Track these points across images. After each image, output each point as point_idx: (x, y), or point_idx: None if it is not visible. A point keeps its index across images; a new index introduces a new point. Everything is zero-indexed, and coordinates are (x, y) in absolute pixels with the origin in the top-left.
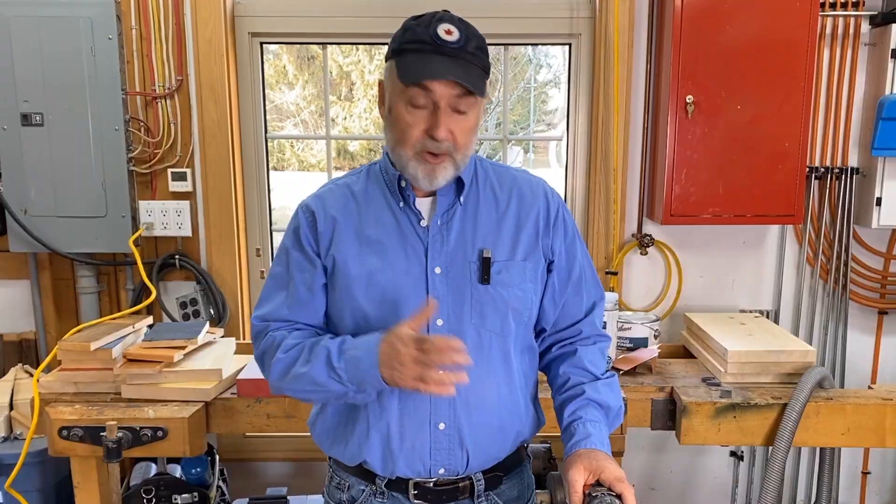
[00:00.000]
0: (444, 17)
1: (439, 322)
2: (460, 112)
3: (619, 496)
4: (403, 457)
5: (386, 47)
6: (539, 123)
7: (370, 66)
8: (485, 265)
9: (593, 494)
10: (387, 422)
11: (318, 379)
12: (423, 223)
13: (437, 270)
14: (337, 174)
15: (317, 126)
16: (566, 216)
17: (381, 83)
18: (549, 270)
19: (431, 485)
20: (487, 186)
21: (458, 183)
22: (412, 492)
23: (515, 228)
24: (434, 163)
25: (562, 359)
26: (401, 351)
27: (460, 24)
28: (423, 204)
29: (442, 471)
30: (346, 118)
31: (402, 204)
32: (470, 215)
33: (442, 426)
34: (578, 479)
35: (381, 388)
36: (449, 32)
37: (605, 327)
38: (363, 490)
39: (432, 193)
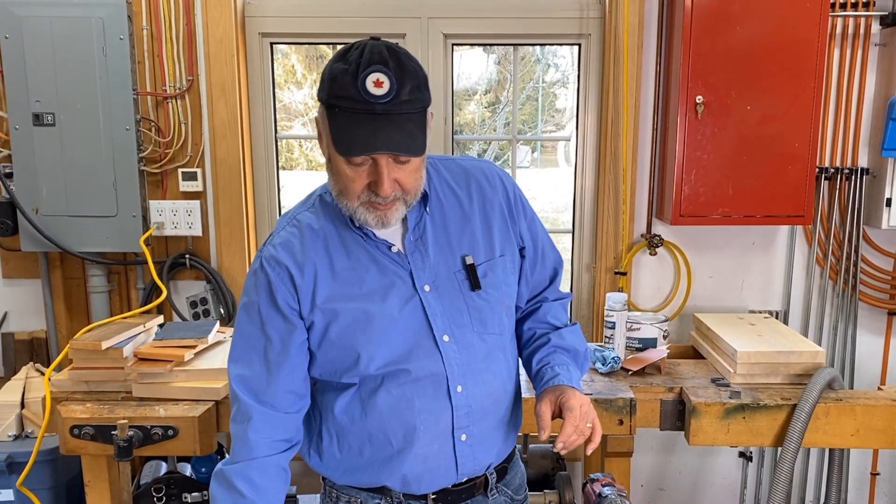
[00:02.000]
0: (374, 58)
1: (445, 338)
2: (403, 162)
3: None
4: (428, 476)
5: None
6: (547, 123)
7: None
8: (471, 272)
9: (603, 494)
10: (410, 447)
11: None
12: (395, 248)
13: (427, 288)
14: None
15: None
16: (522, 197)
17: (316, 120)
18: (521, 255)
19: (450, 486)
20: (445, 187)
21: (423, 196)
22: (431, 496)
23: (485, 225)
24: (384, 209)
25: (526, 316)
26: None
27: (391, 62)
28: (387, 228)
29: (465, 478)
30: None
31: (364, 238)
32: (439, 223)
33: (464, 437)
34: (546, 410)
35: None
36: (378, 84)
37: (613, 327)
38: (378, 503)
39: (382, 228)
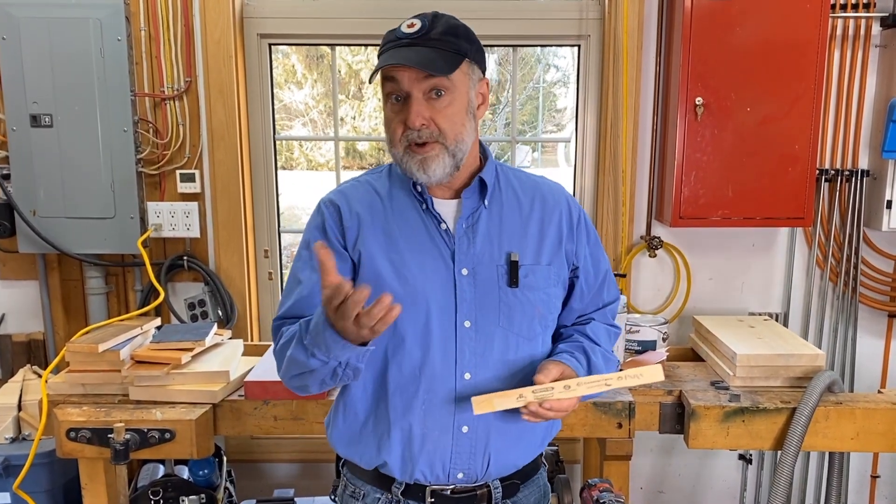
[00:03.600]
0: (417, 15)
1: (466, 324)
2: (437, 97)
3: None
4: (424, 458)
5: None
6: (548, 123)
7: None
8: (513, 268)
9: (601, 501)
10: (409, 422)
11: (299, 358)
12: (444, 226)
13: (464, 272)
14: (345, 174)
15: (325, 125)
16: (587, 222)
17: None
18: (574, 276)
19: (448, 492)
20: (510, 190)
21: (482, 186)
22: (429, 499)
23: (540, 232)
24: (422, 153)
25: (569, 328)
26: (327, 308)
27: (431, 16)
28: (446, 206)
29: (461, 475)
30: (354, 117)
31: (423, 207)
32: (495, 218)
33: (465, 429)
34: (553, 368)
35: (348, 348)
36: (411, 26)
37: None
38: (379, 498)
39: (457, 196)
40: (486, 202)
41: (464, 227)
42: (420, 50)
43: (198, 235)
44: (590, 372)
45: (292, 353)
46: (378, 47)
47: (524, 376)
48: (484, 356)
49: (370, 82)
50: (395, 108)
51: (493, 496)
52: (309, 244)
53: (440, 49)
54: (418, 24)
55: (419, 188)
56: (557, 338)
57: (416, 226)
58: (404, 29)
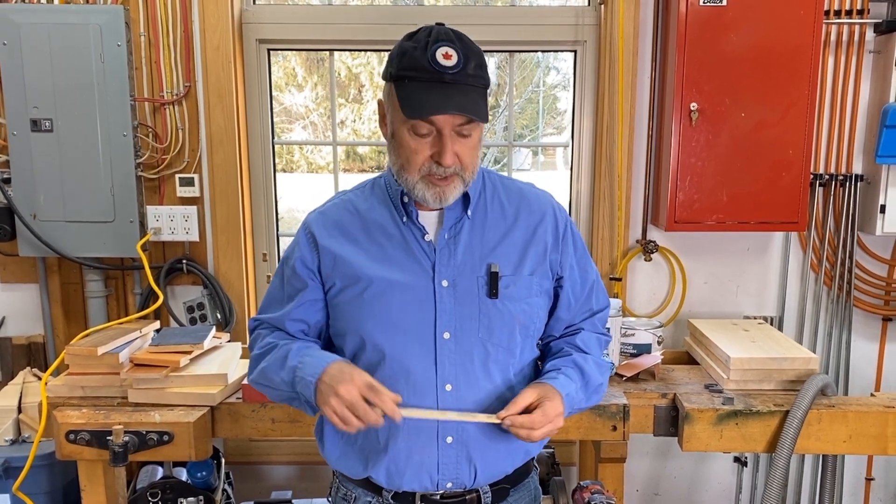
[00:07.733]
0: (441, 36)
1: (446, 335)
2: (464, 135)
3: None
4: (410, 471)
5: None
6: (549, 126)
7: (379, 68)
8: (493, 279)
9: (592, 502)
10: (394, 436)
11: (271, 374)
12: (428, 237)
13: (445, 284)
14: (344, 178)
15: (326, 128)
16: (574, 231)
17: (380, 102)
18: (559, 285)
19: (438, 497)
20: (495, 200)
21: (465, 196)
22: None
23: (523, 243)
24: (443, 185)
25: (559, 338)
26: (346, 380)
27: (458, 41)
28: (428, 217)
29: (449, 484)
30: (355, 120)
31: (405, 219)
32: (478, 229)
33: (449, 440)
34: (527, 395)
35: (310, 399)
36: (447, 56)
37: (607, 332)
38: (370, 502)
39: (438, 207)
40: (468, 213)
41: (445, 238)
42: (462, 90)
43: (197, 239)
44: (586, 383)
45: (268, 367)
46: (378, 51)
47: (505, 386)
48: (464, 367)
49: (409, 116)
50: (419, 140)
51: (483, 501)
52: (284, 263)
53: (477, 87)
54: (454, 57)
55: (405, 199)
56: (548, 351)
57: (396, 240)
58: (441, 60)
